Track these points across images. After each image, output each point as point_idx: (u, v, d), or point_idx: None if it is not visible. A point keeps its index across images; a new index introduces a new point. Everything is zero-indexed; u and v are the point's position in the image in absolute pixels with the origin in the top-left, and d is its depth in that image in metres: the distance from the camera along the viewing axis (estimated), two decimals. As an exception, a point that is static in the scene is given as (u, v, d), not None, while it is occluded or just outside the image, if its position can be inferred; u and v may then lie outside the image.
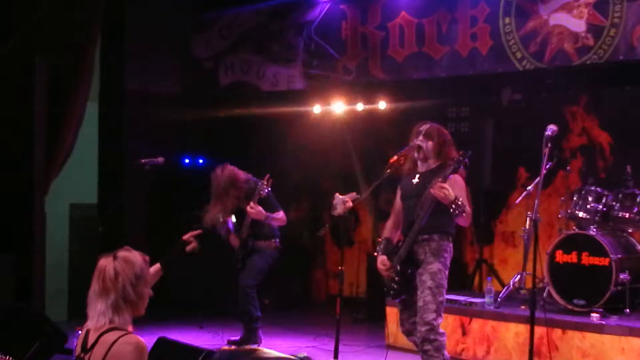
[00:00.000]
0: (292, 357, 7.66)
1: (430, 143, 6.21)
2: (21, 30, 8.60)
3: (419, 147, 6.22)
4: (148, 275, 3.82)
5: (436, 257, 6.08)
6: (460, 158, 5.98)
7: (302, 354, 7.90)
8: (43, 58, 8.62)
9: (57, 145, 8.99)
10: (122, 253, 3.76)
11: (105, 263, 3.72)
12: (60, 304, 9.72)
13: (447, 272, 6.14)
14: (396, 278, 6.17)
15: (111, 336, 3.59)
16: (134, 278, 3.69)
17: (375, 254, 6.43)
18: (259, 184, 7.87)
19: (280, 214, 8.04)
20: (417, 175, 6.24)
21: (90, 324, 3.72)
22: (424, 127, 6.28)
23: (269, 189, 7.87)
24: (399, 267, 6.15)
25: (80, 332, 3.80)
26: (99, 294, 3.68)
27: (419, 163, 6.30)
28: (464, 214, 5.88)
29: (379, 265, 6.28)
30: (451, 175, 5.98)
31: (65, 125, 9.07)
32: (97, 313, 3.67)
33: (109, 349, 3.56)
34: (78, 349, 3.74)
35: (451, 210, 5.83)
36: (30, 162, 8.61)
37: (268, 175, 7.91)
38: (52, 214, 9.17)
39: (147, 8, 10.47)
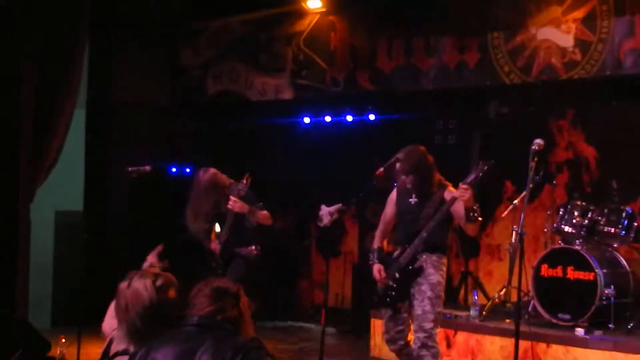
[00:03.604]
0: None
1: (414, 178, 6.29)
2: (8, 35, 8.56)
3: (411, 186, 6.31)
4: (164, 301, 3.57)
5: (436, 269, 6.24)
6: (485, 167, 6.08)
7: None
8: (30, 64, 8.58)
9: (43, 152, 8.94)
10: (134, 283, 3.56)
11: (121, 290, 3.57)
12: (44, 312, 9.66)
13: (444, 286, 6.27)
14: (394, 285, 6.24)
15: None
16: (142, 311, 3.51)
17: (370, 262, 6.49)
18: (238, 185, 7.70)
19: (264, 212, 7.85)
20: (414, 195, 6.33)
21: (115, 335, 3.67)
22: (400, 168, 6.33)
23: (247, 187, 7.66)
24: (397, 275, 6.23)
25: (107, 338, 3.75)
26: (117, 318, 3.60)
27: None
28: (477, 221, 6.03)
29: (376, 273, 6.37)
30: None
31: (51, 132, 9.01)
32: (118, 336, 3.59)
33: None
34: (100, 355, 3.72)
35: (469, 214, 5.94)
36: (15, 168, 8.56)
37: (247, 174, 7.72)
38: (38, 221, 9.12)
39: (136, 15, 10.45)
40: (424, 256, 6.21)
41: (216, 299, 3.33)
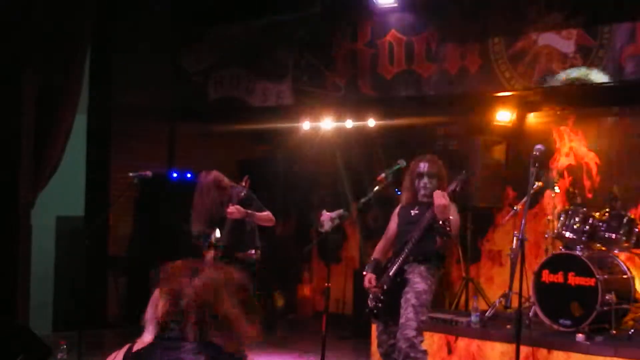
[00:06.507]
0: None
1: (435, 181, 6.29)
2: (9, 42, 8.57)
3: (425, 187, 6.29)
4: None
5: (423, 278, 6.16)
6: (464, 177, 6.06)
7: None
8: (31, 69, 8.59)
9: (44, 158, 8.95)
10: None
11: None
12: (45, 317, 9.66)
13: (431, 296, 6.18)
14: (382, 297, 6.19)
15: None
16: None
17: (364, 272, 6.45)
18: (238, 187, 7.67)
19: (265, 213, 7.78)
20: (417, 207, 6.34)
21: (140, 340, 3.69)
22: (425, 169, 6.31)
23: (247, 190, 7.64)
24: (385, 287, 6.18)
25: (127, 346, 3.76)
26: (149, 317, 3.64)
27: (419, 194, 6.37)
28: (445, 238, 6.00)
29: (366, 283, 6.31)
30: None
31: (52, 138, 9.03)
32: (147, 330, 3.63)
33: None
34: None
35: (439, 225, 5.89)
36: (16, 174, 8.57)
37: (247, 177, 7.71)
38: (39, 227, 9.12)
39: (137, 21, 10.45)
40: (413, 266, 6.18)
41: (195, 309, 3.31)
